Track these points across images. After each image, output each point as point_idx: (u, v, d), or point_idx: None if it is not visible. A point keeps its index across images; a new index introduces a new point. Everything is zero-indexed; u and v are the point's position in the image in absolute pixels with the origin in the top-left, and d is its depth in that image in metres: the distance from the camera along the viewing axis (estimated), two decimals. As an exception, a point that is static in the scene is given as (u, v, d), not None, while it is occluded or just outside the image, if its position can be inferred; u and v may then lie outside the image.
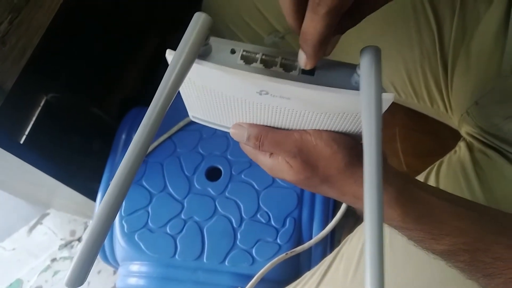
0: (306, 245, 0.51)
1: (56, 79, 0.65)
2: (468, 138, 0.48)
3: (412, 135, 0.58)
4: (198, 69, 0.25)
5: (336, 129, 0.30)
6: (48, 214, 1.00)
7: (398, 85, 0.53)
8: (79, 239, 0.98)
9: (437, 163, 0.49)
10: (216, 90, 0.28)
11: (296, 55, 0.26)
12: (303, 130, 0.30)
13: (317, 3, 0.23)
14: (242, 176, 0.55)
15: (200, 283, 0.50)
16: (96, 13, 0.70)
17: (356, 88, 0.25)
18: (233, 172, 0.55)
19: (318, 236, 0.51)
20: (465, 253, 0.29)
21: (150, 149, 0.57)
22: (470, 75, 0.46)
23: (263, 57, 0.26)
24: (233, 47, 0.27)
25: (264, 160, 0.33)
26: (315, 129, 0.30)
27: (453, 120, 0.53)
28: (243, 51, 0.27)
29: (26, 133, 0.60)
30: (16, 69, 0.42)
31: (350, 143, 0.29)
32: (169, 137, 0.58)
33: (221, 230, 0.52)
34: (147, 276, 0.52)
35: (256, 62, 0.26)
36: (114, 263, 0.58)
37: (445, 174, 0.46)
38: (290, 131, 0.30)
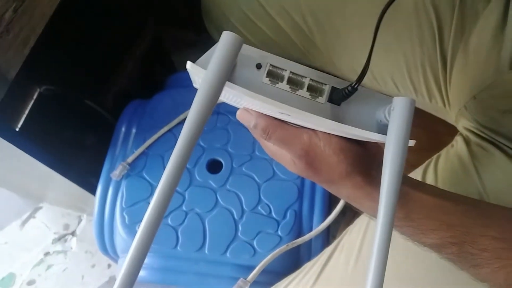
0: (306, 236, 0.52)
1: (51, 71, 0.65)
2: (465, 133, 0.49)
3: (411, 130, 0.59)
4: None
5: (347, 137, 0.30)
6: (41, 207, 0.99)
7: (397, 80, 0.54)
8: (72, 233, 0.97)
9: (434, 157, 0.51)
10: (235, 94, 0.28)
11: (325, 77, 0.26)
12: (313, 131, 0.30)
13: None
14: (243, 168, 0.55)
15: (202, 274, 0.51)
16: (91, 5, 0.70)
17: (381, 127, 0.25)
18: (234, 165, 0.56)
19: (319, 228, 0.52)
20: (452, 246, 0.31)
21: (150, 141, 0.57)
22: (468, 70, 0.48)
23: (291, 75, 0.26)
24: (259, 61, 0.26)
25: (269, 146, 0.33)
26: (325, 133, 0.29)
27: (450, 116, 0.54)
28: (270, 66, 0.26)
29: (22, 121, 0.59)
30: (19, 58, 0.42)
31: (357, 152, 0.30)
32: (170, 130, 0.58)
33: (223, 222, 0.53)
34: (149, 267, 0.52)
35: (282, 81, 0.26)
36: (113, 255, 0.58)
37: (443, 167, 0.47)
38: (299, 129, 0.30)
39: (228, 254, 0.51)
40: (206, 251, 0.51)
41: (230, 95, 0.28)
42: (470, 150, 0.46)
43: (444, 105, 0.53)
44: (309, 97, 0.26)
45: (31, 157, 0.59)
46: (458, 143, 0.49)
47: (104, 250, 0.57)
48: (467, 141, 0.48)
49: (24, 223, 0.98)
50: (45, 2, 0.43)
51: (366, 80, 0.56)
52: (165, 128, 0.58)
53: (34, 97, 0.63)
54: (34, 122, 0.60)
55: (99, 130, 0.76)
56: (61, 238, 0.96)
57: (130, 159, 0.56)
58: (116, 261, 0.59)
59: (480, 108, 0.46)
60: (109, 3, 0.76)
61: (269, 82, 0.26)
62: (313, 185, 0.55)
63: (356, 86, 0.25)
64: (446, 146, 0.52)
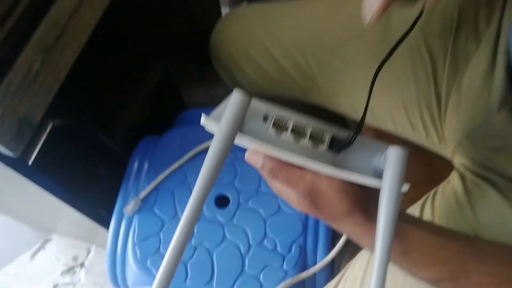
0: (311, 270, 0.53)
1: (64, 105, 0.68)
2: (461, 169, 0.51)
3: (408, 165, 0.61)
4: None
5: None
6: (51, 239, 1.01)
7: (396, 117, 0.57)
8: (81, 265, 0.98)
9: (431, 192, 0.53)
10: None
11: (326, 126, 0.28)
12: (316, 174, 0.32)
13: None
14: (250, 203, 0.58)
15: (211, 307, 0.52)
16: (105, 43, 0.74)
17: (378, 172, 0.28)
18: (240, 200, 0.58)
19: (323, 261, 0.54)
20: (448, 281, 0.33)
21: (161, 177, 0.60)
22: (461, 110, 0.50)
23: (294, 126, 0.28)
24: (265, 113, 0.28)
25: (275, 185, 0.36)
26: (327, 176, 0.31)
27: (446, 151, 0.57)
28: (275, 118, 0.28)
29: (34, 155, 0.62)
30: (44, 104, 0.45)
31: (357, 192, 0.32)
32: (180, 166, 0.60)
33: (230, 257, 0.54)
34: (159, 300, 0.53)
35: (286, 131, 0.28)
36: (124, 287, 0.60)
37: (440, 204, 0.49)
38: (303, 170, 0.32)
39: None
40: (214, 285, 0.53)
41: (240, 140, 0.31)
42: (465, 187, 0.48)
43: (440, 142, 0.56)
44: (311, 145, 0.29)
45: (42, 189, 0.61)
46: (454, 179, 0.51)
47: (116, 283, 0.59)
48: (462, 177, 0.50)
49: (34, 254, 0.99)
50: (68, 52, 0.47)
51: (366, 118, 0.59)
52: (176, 164, 0.61)
53: (47, 130, 0.66)
54: (47, 156, 0.62)
55: (110, 163, 0.79)
56: (70, 270, 0.98)
57: (142, 194, 0.59)
58: (126, 294, 0.61)
59: (473, 146, 0.48)
60: (121, 41, 0.80)
61: (274, 132, 0.28)
62: (317, 219, 0.57)
63: (352, 140, 0.27)
64: (443, 180, 0.54)
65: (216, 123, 0.27)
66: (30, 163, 0.60)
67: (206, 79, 1.06)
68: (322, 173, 0.30)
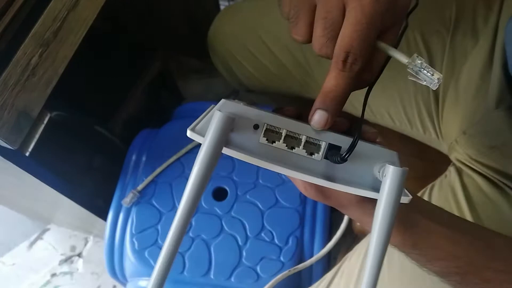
0: (307, 262, 0.54)
1: (62, 97, 0.68)
2: (458, 164, 0.52)
3: (406, 159, 0.61)
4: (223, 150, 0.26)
5: None
6: (48, 229, 1.01)
7: (393, 113, 0.57)
8: (79, 255, 0.99)
9: (429, 186, 0.53)
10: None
11: (321, 133, 0.27)
12: None
13: (352, 61, 0.25)
14: (247, 196, 0.58)
15: (208, 298, 0.53)
16: (103, 37, 0.74)
17: (376, 183, 0.27)
18: (238, 193, 0.59)
19: (319, 254, 0.55)
20: (456, 275, 0.33)
21: (159, 170, 0.61)
22: (459, 107, 0.51)
23: (287, 133, 0.27)
24: (256, 122, 0.27)
25: None
26: None
27: (443, 147, 0.57)
28: (267, 126, 0.27)
29: (32, 147, 0.62)
30: (42, 98, 0.45)
31: None
32: (178, 159, 0.61)
33: (227, 248, 0.55)
34: (157, 292, 0.54)
35: (279, 140, 0.27)
36: (122, 279, 0.60)
37: (437, 198, 0.50)
38: None
39: (232, 279, 0.54)
40: (212, 276, 0.54)
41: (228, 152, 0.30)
42: (462, 182, 0.49)
43: (438, 137, 0.56)
44: (305, 154, 0.27)
45: (39, 181, 0.61)
46: (451, 174, 0.52)
47: (114, 274, 0.60)
48: (459, 172, 0.51)
49: (32, 244, 1.00)
50: (67, 46, 0.47)
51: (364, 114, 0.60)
52: (174, 157, 0.61)
53: (45, 122, 0.66)
54: (44, 147, 0.62)
55: (107, 155, 0.79)
56: (67, 260, 0.98)
57: (140, 187, 0.59)
58: (124, 284, 0.61)
59: (470, 143, 0.49)
60: (119, 34, 0.80)
61: (266, 142, 0.27)
62: (314, 212, 0.58)
63: (346, 157, 0.27)
64: (440, 174, 0.55)
65: (201, 138, 0.26)
66: (27, 154, 0.60)
67: (204, 72, 1.06)
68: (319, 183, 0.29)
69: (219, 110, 0.25)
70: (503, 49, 0.45)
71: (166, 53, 0.96)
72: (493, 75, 0.46)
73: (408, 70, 0.27)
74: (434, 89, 0.27)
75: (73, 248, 1.00)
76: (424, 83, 0.27)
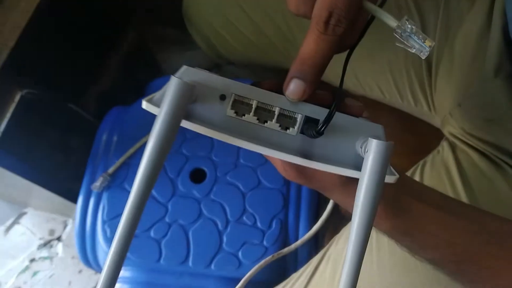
0: (292, 246, 0.51)
1: (31, 74, 0.63)
2: (451, 138, 0.49)
3: (397, 134, 0.58)
4: (183, 123, 0.23)
5: None
6: (25, 213, 0.97)
7: (383, 85, 0.53)
8: (58, 238, 0.95)
9: (420, 162, 0.50)
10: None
11: (298, 105, 0.24)
12: None
13: (335, 23, 0.22)
14: (227, 177, 0.54)
15: (187, 287, 0.50)
16: (70, 6, 0.68)
17: (359, 160, 0.24)
18: (218, 174, 0.55)
19: (305, 237, 0.51)
20: (451, 263, 0.30)
21: (132, 151, 0.56)
22: (453, 77, 0.47)
23: (258, 105, 0.24)
24: (222, 92, 0.24)
25: None
26: None
27: (436, 120, 0.53)
28: (235, 97, 0.24)
29: (0, 132, 0.57)
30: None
31: None
32: (152, 139, 0.56)
33: (207, 234, 0.52)
34: (132, 281, 0.51)
35: (249, 113, 0.24)
36: (96, 267, 0.57)
37: (429, 175, 0.47)
38: None
39: (212, 266, 0.50)
40: (190, 264, 0.51)
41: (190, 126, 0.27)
42: (455, 158, 0.46)
43: (430, 110, 0.52)
44: (279, 129, 0.24)
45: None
46: (444, 149, 0.48)
47: (87, 262, 0.56)
48: (453, 147, 0.47)
49: (8, 229, 0.96)
50: (16, 14, 0.41)
51: (350, 84, 0.55)
52: (147, 137, 0.56)
53: (16, 101, 0.61)
54: (14, 131, 0.58)
55: (83, 135, 0.74)
56: (46, 244, 0.95)
57: (111, 170, 0.55)
58: (100, 272, 0.58)
59: (465, 116, 0.45)
60: (91, 3, 0.74)
61: (234, 115, 0.24)
62: (298, 193, 0.54)
63: (323, 129, 0.23)
64: (432, 149, 0.51)
65: (156, 110, 0.22)
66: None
67: (184, 43, 1.00)
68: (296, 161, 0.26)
69: (179, 78, 0.22)
70: (503, 11, 0.41)
71: (142, 22, 0.90)
72: (491, 40, 0.42)
73: (395, 35, 0.24)
74: (423, 58, 0.23)
75: (51, 232, 0.96)
76: (414, 50, 0.24)
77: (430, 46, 0.24)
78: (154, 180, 0.22)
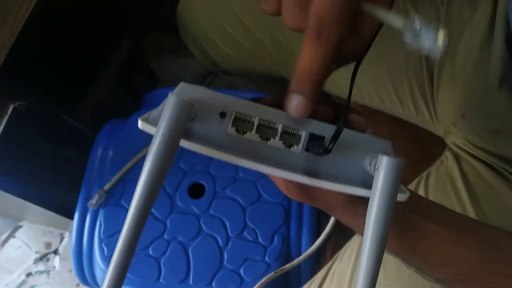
0: (295, 261, 0.50)
1: (25, 86, 0.61)
2: (455, 149, 0.48)
3: (398, 143, 0.57)
4: (182, 143, 0.22)
5: None
6: (21, 226, 0.96)
7: (383, 93, 0.52)
8: (55, 252, 0.94)
9: (424, 174, 0.49)
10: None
11: (301, 122, 0.23)
12: None
13: (328, 30, 0.20)
14: (227, 192, 0.53)
15: (187, 307, 0.49)
16: (65, 16, 0.67)
17: (367, 178, 0.23)
18: (217, 188, 0.53)
19: (307, 252, 0.50)
20: (461, 283, 0.29)
21: (128, 166, 0.55)
22: (456, 85, 0.46)
23: (261, 122, 0.23)
24: (223, 109, 0.23)
25: None
26: None
27: (438, 129, 0.52)
28: (235, 114, 0.23)
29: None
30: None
31: None
32: (148, 153, 0.55)
33: (207, 250, 0.50)
34: (131, 301, 0.49)
35: (251, 131, 0.23)
36: (95, 286, 0.55)
37: (434, 187, 0.46)
38: None
39: (214, 284, 0.49)
40: (191, 282, 0.49)
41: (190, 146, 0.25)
42: (460, 169, 0.44)
43: (432, 119, 0.51)
44: (283, 147, 0.23)
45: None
46: (448, 160, 0.47)
47: (85, 281, 0.55)
48: (457, 158, 0.46)
49: (3, 243, 0.94)
50: (5, 31, 0.40)
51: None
52: (144, 152, 0.55)
53: (9, 113, 0.59)
54: (6, 146, 0.57)
55: (78, 147, 0.73)
56: (43, 258, 0.93)
57: (107, 186, 0.53)
58: (98, 290, 0.57)
59: (470, 127, 0.44)
60: (84, 13, 0.73)
61: (235, 133, 0.23)
62: (300, 207, 0.53)
63: (331, 147, 0.22)
64: (436, 159, 0.50)
65: (153, 129, 0.21)
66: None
67: (179, 51, 0.99)
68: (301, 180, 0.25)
69: (176, 96, 0.21)
70: (506, 18, 0.40)
71: (137, 30, 0.89)
72: (495, 48, 0.41)
73: (405, 34, 0.21)
74: (438, 56, 0.21)
75: (48, 245, 0.94)
76: (426, 50, 0.21)
77: (444, 42, 0.21)
78: (151, 205, 0.21)
